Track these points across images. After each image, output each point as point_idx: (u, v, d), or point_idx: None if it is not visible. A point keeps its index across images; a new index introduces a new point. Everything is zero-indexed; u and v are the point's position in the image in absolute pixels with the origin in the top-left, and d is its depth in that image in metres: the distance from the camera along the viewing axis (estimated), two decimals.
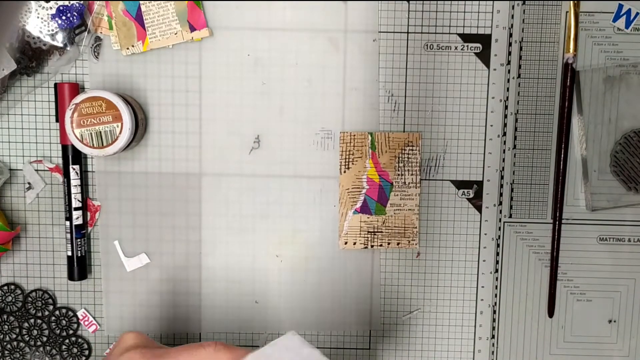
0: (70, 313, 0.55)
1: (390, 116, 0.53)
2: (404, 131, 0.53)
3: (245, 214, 0.54)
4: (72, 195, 0.52)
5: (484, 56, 0.53)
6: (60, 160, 0.53)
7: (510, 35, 0.52)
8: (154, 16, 0.51)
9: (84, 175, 0.53)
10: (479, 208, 0.54)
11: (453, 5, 0.52)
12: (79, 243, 0.53)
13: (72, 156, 0.52)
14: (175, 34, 0.52)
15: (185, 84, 0.53)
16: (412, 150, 0.53)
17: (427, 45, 0.53)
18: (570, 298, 0.55)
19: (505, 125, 0.53)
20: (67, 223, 0.52)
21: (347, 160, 0.53)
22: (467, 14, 0.52)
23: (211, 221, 0.54)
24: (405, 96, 0.53)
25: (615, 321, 0.55)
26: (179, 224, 0.54)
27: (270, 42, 0.52)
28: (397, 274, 0.54)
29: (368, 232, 0.54)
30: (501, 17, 0.52)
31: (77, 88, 0.52)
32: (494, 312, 0.55)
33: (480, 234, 0.54)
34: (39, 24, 0.50)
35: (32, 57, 0.51)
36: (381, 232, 0.54)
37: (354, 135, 0.53)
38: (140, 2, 0.51)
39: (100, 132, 0.48)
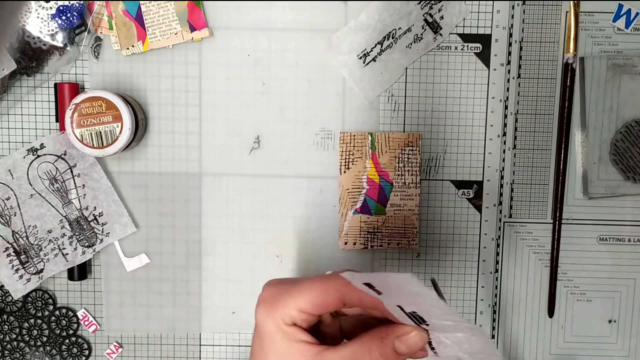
0: (70, 313, 0.55)
1: (390, 116, 0.53)
2: (404, 131, 0.53)
3: (245, 214, 0.54)
4: None
5: (484, 56, 0.53)
6: None
7: (510, 35, 0.52)
8: (154, 16, 0.51)
9: None
10: (479, 208, 0.54)
11: None
12: None
13: None
14: (175, 34, 0.52)
15: (185, 84, 0.53)
16: (412, 150, 0.53)
17: None
18: (570, 298, 0.55)
19: (505, 125, 0.53)
20: None
21: (347, 160, 0.53)
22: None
23: (211, 221, 0.54)
24: (405, 96, 0.53)
25: (615, 321, 0.55)
26: (179, 224, 0.54)
27: (270, 42, 0.53)
28: None
29: (368, 232, 0.54)
30: (501, 17, 0.52)
31: (77, 88, 0.52)
32: (494, 312, 0.55)
33: (480, 234, 0.54)
34: (39, 24, 0.50)
35: (32, 57, 0.51)
36: (381, 232, 0.54)
37: (354, 135, 0.53)
38: (140, 2, 0.51)
39: (100, 132, 0.48)
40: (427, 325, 0.35)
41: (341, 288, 0.36)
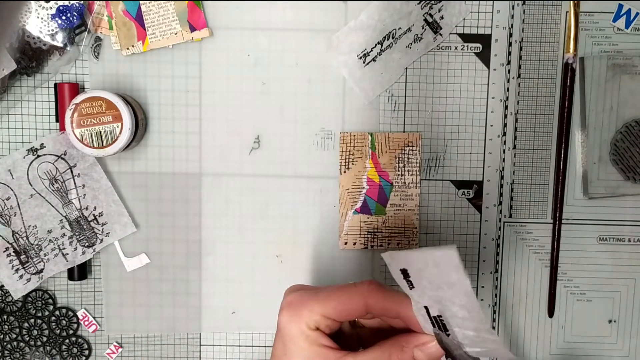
0: (70, 313, 0.55)
1: (390, 116, 0.53)
2: (404, 131, 0.53)
3: (245, 214, 0.54)
4: None
5: (484, 56, 0.53)
6: None
7: (510, 35, 0.52)
8: (154, 16, 0.51)
9: None
10: (479, 208, 0.54)
11: None
12: None
13: None
14: (175, 34, 0.52)
15: (185, 84, 0.53)
16: (412, 150, 0.53)
17: None
18: (570, 298, 0.55)
19: (505, 125, 0.53)
20: None
21: (347, 160, 0.53)
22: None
23: (211, 221, 0.54)
24: (405, 96, 0.53)
25: (615, 321, 0.55)
26: (179, 224, 0.54)
27: (270, 42, 0.53)
28: None
29: (368, 232, 0.54)
30: (501, 17, 0.52)
31: (77, 88, 0.52)
32: (494, 312, 0.55)
33: (480, 234, 0.54)
34: (39, 24, 0.50)
35: (32, 57, 0.51)
36: (381, 232, 0.54)
37: (354, 135, 0.53)
38: (140, 2, 0.51)
39: (100, 132, 0.48)
40: (448, 334, 0.36)
41: (366, 297, 0.38)
